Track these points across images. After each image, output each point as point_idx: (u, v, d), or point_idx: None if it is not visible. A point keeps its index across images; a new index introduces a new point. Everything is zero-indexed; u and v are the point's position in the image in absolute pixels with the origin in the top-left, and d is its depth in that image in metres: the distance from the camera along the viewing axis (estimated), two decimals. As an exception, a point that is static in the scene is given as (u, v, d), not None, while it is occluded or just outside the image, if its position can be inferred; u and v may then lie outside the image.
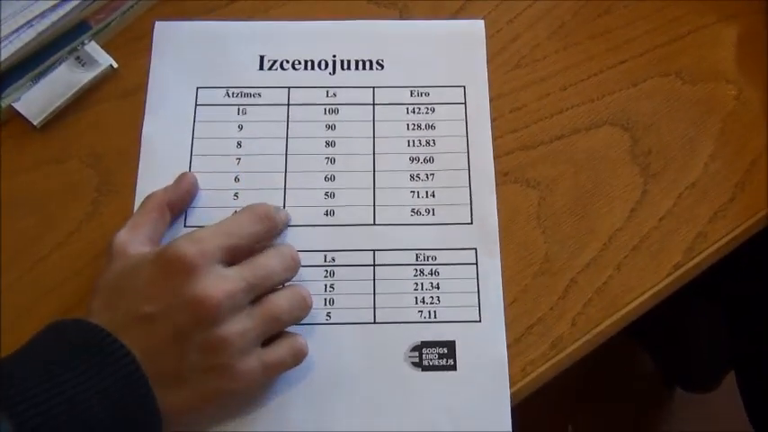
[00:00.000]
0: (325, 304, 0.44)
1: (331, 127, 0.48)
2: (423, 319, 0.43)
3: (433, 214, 0.46)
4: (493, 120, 0.48)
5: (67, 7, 0.48)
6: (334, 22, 0.51)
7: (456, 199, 0.46)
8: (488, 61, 0.50)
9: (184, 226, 0.45)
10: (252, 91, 0.49)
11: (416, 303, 0.44)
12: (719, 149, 0.48)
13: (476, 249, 0.45)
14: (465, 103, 0.49)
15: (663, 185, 0.47)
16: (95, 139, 0.48)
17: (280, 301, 0.40)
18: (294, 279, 0.43)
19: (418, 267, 0.45)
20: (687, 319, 0.82)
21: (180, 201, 0.45)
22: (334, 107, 0.49)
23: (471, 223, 0.46)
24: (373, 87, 0.49)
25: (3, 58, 0.47)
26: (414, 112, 0.49)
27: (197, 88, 0.49)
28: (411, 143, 0.48)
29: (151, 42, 0.50)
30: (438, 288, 0.44)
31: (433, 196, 0.46)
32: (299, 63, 0.50)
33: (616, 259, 0.45)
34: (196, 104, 0.48)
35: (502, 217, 0.46)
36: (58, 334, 0.36)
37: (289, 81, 0.49)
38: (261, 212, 0.42)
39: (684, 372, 0.96)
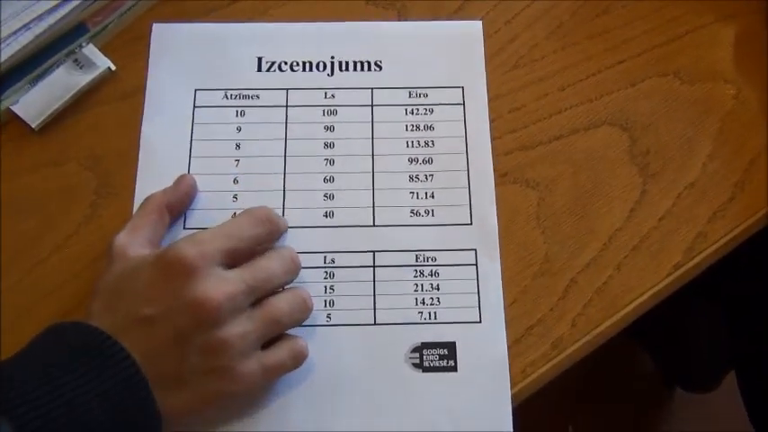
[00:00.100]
0: (326, 306, 0.44)
1: (330, 128, 0.48)
2: (423, 321, 0.43)
3: (433, 215, 0.46)
4: (492, 120, 0.48)
5: (65, 10, 0.48)
6: (332, 24, 0.51)
7: (455, 200, 0.46)
8: (487, 62, 0.50)
9: (184, 228, 0.45)
10: (250, 93, 0.49)
11: (416, 304, 0.44)
12: (718, 149, 0.48)
13: (475, 250, 0.45)
14: (464, 104, 0.49)
15: (662, 185, 0.47)
16: (94, 141, 0.48)
17: (280, 304, 0.40)
18: (295, 280, 0.43)
19: (418, 268, 0.44)
20: (687, 320, 0.82)
21: (179, 203, 0.45)
22: (332, 108, 0.49)
23: (471, 224, 0.46)
24: (372, 88, 0.49)
25: (1, 61, 0.46)
26: (412, 113, 0.49)
27: (195, 90, 0.49)
28: (410, 144, 0.48)
29: (149, 44, 0.50)
30: (438, 289, 0.44)
31: (433, 197, 0.46)
32: (298, 64, 0.50)
33: (616, 259, 0.45)
34: (194, 106, 0.48)
35: (501, 217, 0.46)
36: (58, 337, 0.36)
37: (287, 82, 0.49)
38: (261, 215, 0.42)
39: (684, 372, 0.96)
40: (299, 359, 0.41)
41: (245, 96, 0.49)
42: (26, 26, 0.47)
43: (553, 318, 0.44)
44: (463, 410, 0.41)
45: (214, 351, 0.37)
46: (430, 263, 0.45)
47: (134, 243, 0.41)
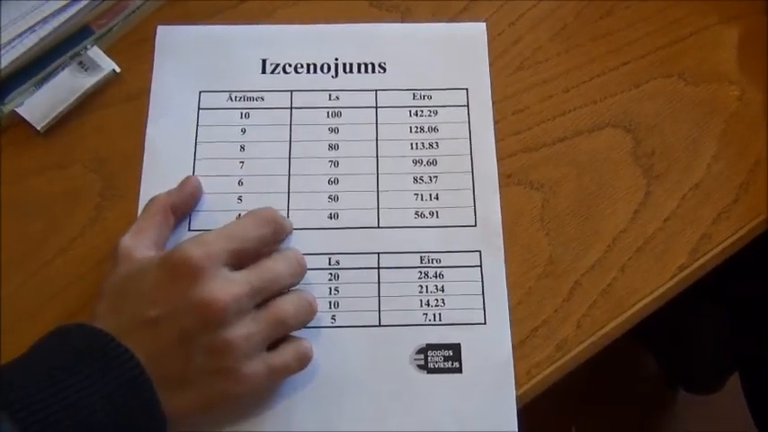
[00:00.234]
0: (330, 307, 0.44)
1: (334, 130, 0.48)
2: (428, 322, 0.43)
3: (437, 217, 0.46)
4: (495, 122, 0.48)
5: (70, 12, 0.48)
6: (336, 26, 0.51)
7: (459, 201, 0.46)
8: (490, 64, 0.50)
9: (189, 230, 0.45)
10: (255, 95, 0.49)
11: (421, 306, 0.44)
12: (722, 150, 0.48)
13: (480, 252, 0.45)
14: (468, 106, 0.49)
15: (666, 187, 0.47)
16: (99, 143, 0.48)
17: (286, 306, 0.40)
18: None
19: (423, 270, 0.44)
20: (691, 321, 0.82)
21: (183, 204, 0.45)
22: (336, 110, 0.49)
23: (475, 225, 0.46)
24: (376, 90, 0.49)
25: (6, 64, 0.47)
26: (416, 115, 0.49)
27: (200, 92, 0.49)
28: (414, 146, 0.48)
29: (154, 47, 0.50)
30: (443, 290, 0.44)
31: (437, 199, 0.46)
32: (302, 66, 0.50)
33: (620, 261, 0.45)
34: (199, 108, 0.48)
35: (505, 219, 0.46)
36: (62, 339, 0.36)
37: (291, 84, 0.49)
38: (266, 216, 0.42)
39: (688, 373, 0.96)
40: (303, 361, 0.41)
41: (250, 98, 0.49)
42: (31, 29, 0.47)
43: (558, 319, 0.44)
44: (468, 412, 0.41)
45: (219, 352, 0.37)
46: (434, 264, 0.45)
47: (139, 245, 0.41)
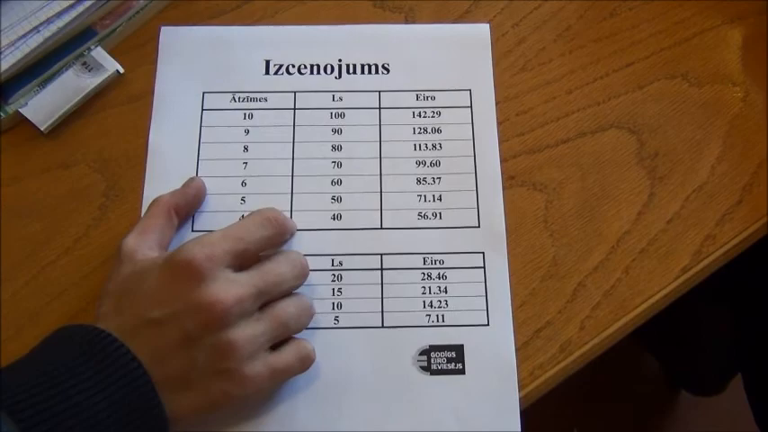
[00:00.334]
0: (333, 308, 0.44)
1: (337, 131, 0.48)
2: (431, 323, 0.43)
3: (440, 218, 0.46)
4: (499, 123, 0.48)
5: (74, 13, 0.48)
6: (339, 27, 0.51)
7: (463, 202, 0.46)
8: (494, 65, 0.50)
9: (192, 230, 0.45)
10: (258, 95, 0.49)
11: (424, 307, 0.44)
12: (726, 152, 0.48)
13: (483, 253, 0.45)
14: (471, 107, 0.49)
15: (670, 188, 0.47)
16: (102, 144, 0.48)
17: (288, 308, 0.40)
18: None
19: (426, 271, 0.44)
20: (693, 322, 0.81)
21: (187, 205, 0.45)
22: (340, 111, 0.49)
23: (479, 227, 0.46)
24: (379, 91, 0.49)
25: (10, 64, 0.47)
26: (420, 116, 0.49)
27: (203, 93, 0.49)
28: (417, 147, 0.48)
29: (157, 48, 0.50)
30: (446, 292, 0.44)
31: (440, 200, 0.46)
32: (305, 67, 0.50)
33: (624, 262, 0.45)
34: (202, 109, 0.48)
35: (509, 220, 0.46)
36: (65, 340, 0.36)
37: (295, 85, 0.49)
38: (269, 216, 0.42)
39: (691, 375, 0.96)
40: (306, 362, 0.41)
41: (253, 99, 0.49)
42: (35, 29, 0.47)
43: (561, 321, 0.44)
44: (471, 413, 0.41)
45: (222, 353, 0.37)
46: (438, 266, 0.45)
47: (142, 246, 0.41)
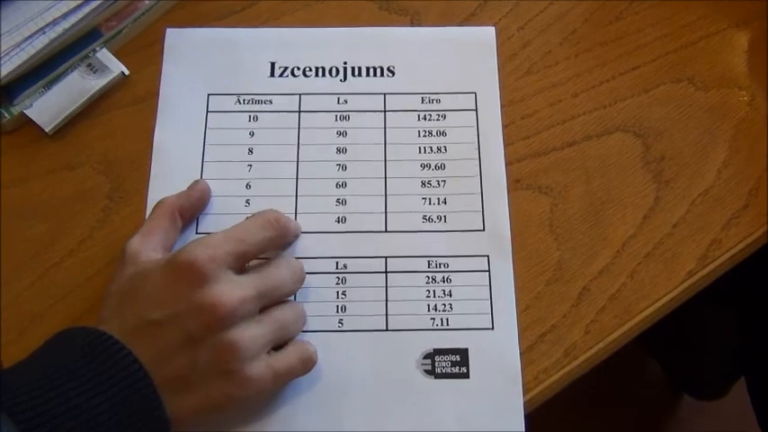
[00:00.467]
0: (337, 311, 0.43)
1: (342, 134, 0.48)
2: (435, 327, 0.43)
3: (445, 221, 0.46)
4: (504, 126, 0.48)
5: (80, 14, 0.48)
6: (345, 29, 0.51)
7: (468, 206, 0.46)
8: (499, 68, 0.50)
9: (196, 232, 0.45)
10: (263, 98, 0.49)
11: (429, 311, 0.44)
12: (732, 156, 0.48)
13: (488, 256, 0.45)
14: (476, 110, 0.49)
15: (676, 192, 0.47)
16: (107, 145, 0.48)
17: (286, 312, 0.41)
18: (306, 285, 0.43)
19: (430, 274, 0.44)
20: (699, 327, 0.81)
21: (191, 207, 0.45)
22: (345, 114, 0.49)
23: (483, 230, 0.45)
24: (384, 94, 0.49)
25: (15, 66, 0.47)
26: (425, 119, 0.48)
27: (208, 95, 0.49)
28: (422, 150, 0.48)
29: (162, 49, 0.50)
30: (450, 295, 0.44)
31: (445, 203, 0.46)
32: (311, 70, 0.50)
33: (629, 266, 0.45)
34: (207, 111, 0.48)
35: (514, 224, 0.46)
36: (66, 342, 0.36)
37: (300, 88, 0.49)
38: (271, 218, 0.42)
39: (695, 379, 0.96)
40: (308, 364, 0.41)
41: (258, 101, 0.49)
42: (41, 30, 0.47)
43: (566, 325, 0.43)
44: (475, 417, 0.41)
45: (224, 353, 0.37)
46: (442, 269, 0.45)
47: (146, 248, 0.41)
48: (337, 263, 0.45)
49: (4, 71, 0.46)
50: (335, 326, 0.43)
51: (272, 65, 0.50)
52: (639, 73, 0.50)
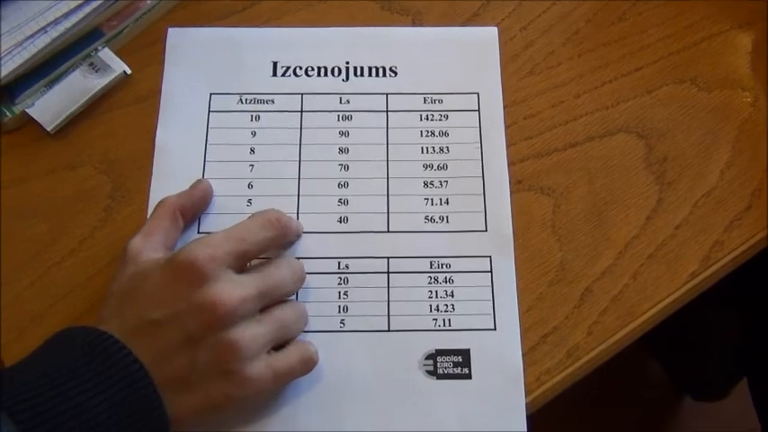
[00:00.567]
0: (339, 311, 0.43)
1: (344, 134, 0.48)
2: (437, 327, 0.43)
3: (447, 221, 0.46)
4: (507, 127, 0.48)
5: (81, 14, 0.48)
6: (347, 29, 0.51)
7: (470, 206, 0.46)
8: (502, 68, 0.50)
9: (198, 232, 0.45)
10: (265, 97, 0.49)
11: (431, 311, 0.43)
12: (735, 157, 0.48)
13: (490, 257, 0.45)
14: (479, 110, 0.49)
15: (678, 193, 0.47)
16: (108, 145, 0.48)
17: (286, 311, 0.40)
18: (308, 285, 0.43)
19: (432, 275, 0.44)
20: (701, 328, 0.81)
21: (193, 207, 0.45)
22: (347, 114, 0.48)
23: (486, 231, 0.45)
24: (387, 94, 0.49)
25: (17, 65, 0.47)
26: (427, 119, 0.48)
27: (210, 94, 0.49)
28: (425, 150, 0.48)
29: (164, 49, 0.50)
30: (452, 296, 0.44)
31: (447, 203, 0.46)
32: (313, 69, 0.50)
33: (632, 268, 0.45)
34: (209, 111, 0.48)
35: (516, 224, 0.46)
36: (66, 341, 0.36)
37: (302, 87, 0.49)
38: (271, 217, 0.42)
39: (698, 380, 0.96)
40: (309, 364, 0.41)
41: (260, 101, 0.49)
42: (43, 29, 0.47)
43: (568, 326, 0.43)
44: (477, 418, 0.41)
45: (224, 353, 0.37)
46: (444, 269, 0.44)
47: (148, 247, 0.41)
48: (339, 263, 0.44)
49: (6, 70, 0.46)
50: (337, 326, 0.43)
51: (275, 64, 0.50)
52: (642, 74, 0.50)
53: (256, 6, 0.52)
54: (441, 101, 0.49)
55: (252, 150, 0.47)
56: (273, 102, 0.49)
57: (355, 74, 0.50)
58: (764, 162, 0.48)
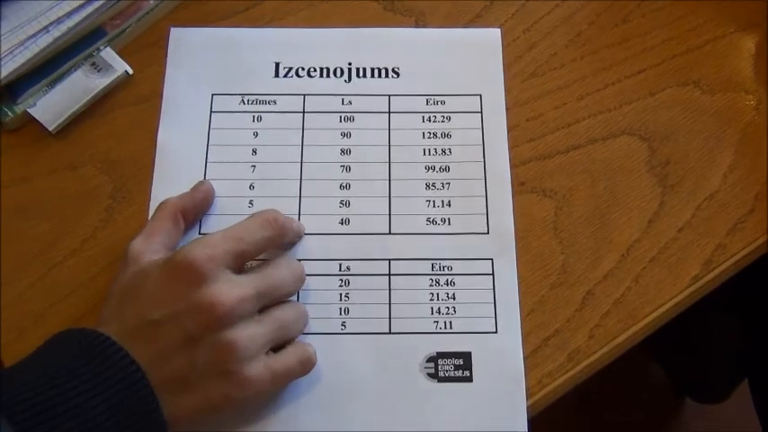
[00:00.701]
0: (341, 314, 0.43)
1: (346, 135, 0.48)
2: (438, 330, 0.43)
3: (449, 224, 0.46)
4: (509, 129, 0.48)
5: (84, 13, 0.48)
6: (349, 30, 0.51)
7: (472, 208, 0.46)
8: (505, 70, 0.50)
9: (199, 233, 0.45)
10: (267, 98, 0.49)
11: (432, 314, 0.43)
12: (739, 160, 0.48)
13: (492, 260, 0.45)
14: (481, 112, 0.49)
15: (681, 196, 0.47)
16: (110, 145, 0.48)
17: (286, 312, 0.40)
18: (309, 287, 0.43)
19: (434, 277, 0.44)
20: (703, 331, 0.81)
21: (194, 208, 0.44)
22: (349, 115, 0.48)
23: (488, 233, 0.45)
24: (389, 95, 0.49)
25: (19, 64, 0.47)
26: (430, 121, 0.48)
27: (212, 95, 0.49)
28: (427, 152, 0.47)
29: (166, 49, 0.50)
30: (454, 298, 0.44)
31: (449, 205, 0.46)
32: (315, 70, 0.50)
33: (634, 271, 0.45)
34: (211, 111, 0.48)
35: (518, 227, 0.45)
36: (65, 343, 0.36)
37: (304, 88, 0.49)
38: (270, 217, 0.42)
39: (698, 383, 0.96)
40: (307, 365, 0.40)
41: (262, 102, 0.48)
42: (45, 29, 0.47)
43: (570, 329, 0.43)
44: (479, 421, 0.41)
45: (222, 353, 0.37)
46: (446, 272, 0.44)
47: (149, 248, 0.41)
48: (341, 265, 0.44)
49: (8, 69, 0.46)
50: (338, 328, 0.43)
51: (277, 65, 0.50)
52: (645, 76, 0.50)
53: (259, 7, 0.52)
54: (443, 102, 0.49)
55: (254, 151, 0.47)
56: (275, 103, 0.49)
57: (358, 75, 0.50)
58: (767, 166, 0.47)
